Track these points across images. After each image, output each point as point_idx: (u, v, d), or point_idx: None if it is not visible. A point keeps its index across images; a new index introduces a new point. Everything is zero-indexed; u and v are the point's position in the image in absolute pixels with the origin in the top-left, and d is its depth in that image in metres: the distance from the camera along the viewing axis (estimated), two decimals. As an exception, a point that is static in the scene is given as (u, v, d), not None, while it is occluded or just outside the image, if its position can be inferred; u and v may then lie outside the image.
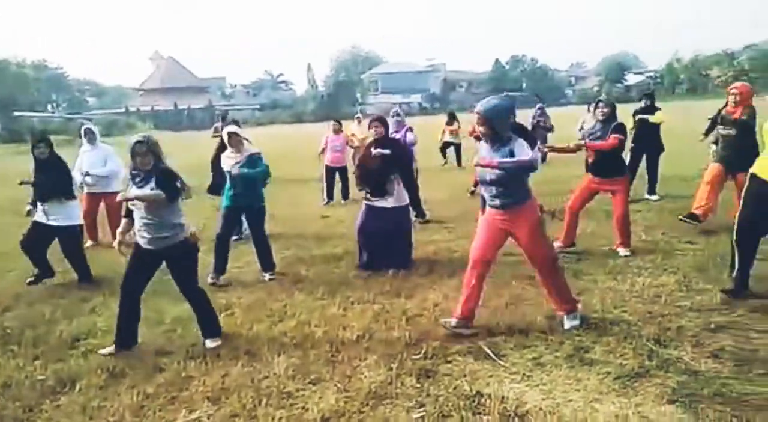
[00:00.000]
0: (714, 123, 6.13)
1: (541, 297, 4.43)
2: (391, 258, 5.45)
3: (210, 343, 3.91)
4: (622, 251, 5.48)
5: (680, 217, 6.14)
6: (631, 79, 70.67)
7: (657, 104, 8.59)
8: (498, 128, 3.64)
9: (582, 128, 8.45)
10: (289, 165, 14.85)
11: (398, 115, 7.88)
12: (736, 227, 4.18)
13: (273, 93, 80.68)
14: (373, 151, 5.45)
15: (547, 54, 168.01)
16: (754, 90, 6.33)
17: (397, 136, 7.39)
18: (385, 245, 5.46)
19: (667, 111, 8.75)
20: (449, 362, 3.48)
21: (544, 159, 12.20)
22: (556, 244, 5.71)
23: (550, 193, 9.00)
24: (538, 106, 13.45)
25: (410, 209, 5.87)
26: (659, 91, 60.87)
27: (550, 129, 12.94)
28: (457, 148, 13.34)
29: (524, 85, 73.56)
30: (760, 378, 3.01)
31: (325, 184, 9.80)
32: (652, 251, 5.49)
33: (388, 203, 5.44)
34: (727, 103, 6.06)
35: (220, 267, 5.39)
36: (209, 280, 5.21)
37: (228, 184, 5.50)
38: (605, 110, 5.46)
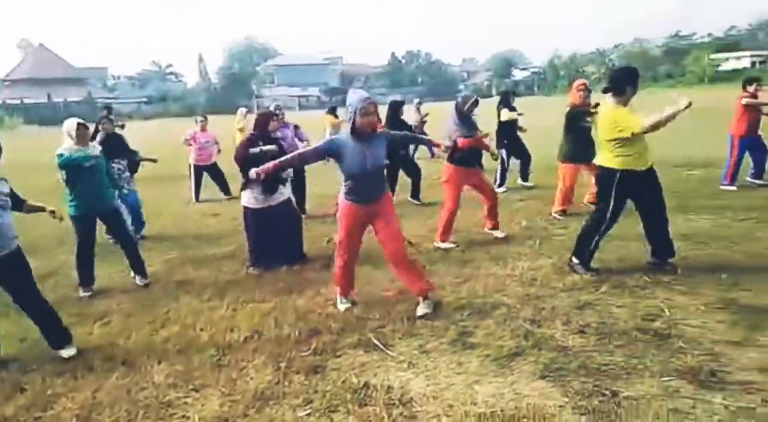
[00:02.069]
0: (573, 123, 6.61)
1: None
2: (283, 254, 5.35)
3: (65, 353, 3.63)
4: (499, 234, 5.86)
5: (554, 216, 6.66)
6: (518, 74, 74.99)
7: (531, 99, 9.20)
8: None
9: None
10: (181, 161, 14.13)
11: (279, 109, 7.69)
12: (609, 218, 4.46)
13: (161, 85, 76.26)
14: (263, 147, 5.29)
15: (440, 49, 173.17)
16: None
17: (278, 134, 7.21)
18: (276, 241, 5.35)
19: (549, 104, 9.38)
20: (338, 356, 3.48)
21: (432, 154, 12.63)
22: (443, 243, 5.86)
23: (436, 185, 9.32)
24: (416, 102, 13.80)
25: (293, 202, 5.77)
26: (543, 86, 65.22)
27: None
28: None
29: (420, 79, 75.43)
30: (617, 349, 3.30)
31: (193, 183, 9.42)
32: (531, 237, 5.85)
33: (269, 201, 5.32)
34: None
35: (87, 280, 4.95)
36: (81, 294, 4.85)
37: (78, 185, 4.79)
38: (472, 107, 5.60)
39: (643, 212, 4.56)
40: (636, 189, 4.42)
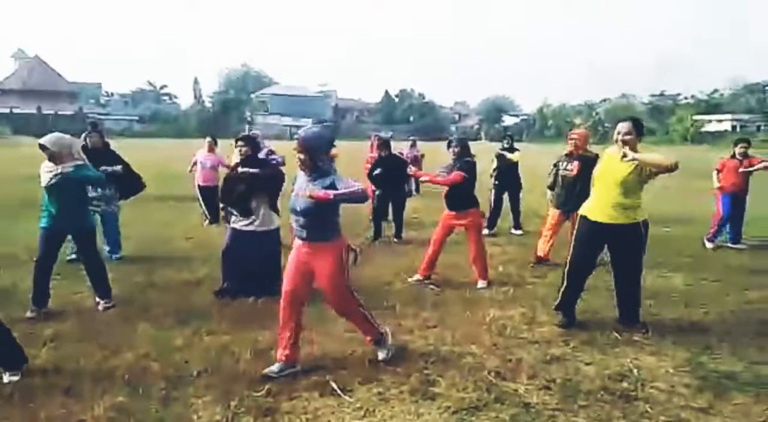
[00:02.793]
0: (557, 171, 6.67)
1: (397, 328, 4.47)
2: (256, 284, 5.20)
3: (7, 377, 3.44)
4: (480, 284, 5.72)
5: (531, 264, 6.62)
6: (508, 120, 76.47)
7: (519, 145, 9.29)
8: (316, 158, 3.51)
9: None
10: (164, 182, 13.99)
11: (255, 136, 7.65)
12: (568, 264, 4.53)
13: (154, 105, 76.44)
14: (240, 170, 5.25)
15: (433, 90, 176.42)
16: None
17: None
18: (251, 271, 5.20)
19: (536, 152, 9.49)
20: (293, 398, 3.32)
21: (417, 190, 12.68)
22: (416, 277, 5.83)
23: (414, 224, 9.31)
24: (410, 138, 14.04)
25: (279, 234, 5.66)
26: (531, 133, 66.51)
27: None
28: None
29: (411, 118, 76.53)
30: (582, 409, 3.20)
31: (203, 204, 9.31)
32: (506, 284, 5.78)
33: (254, 226, 5.23)
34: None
35: (39, 299, 4.73)
36: (28, 314, 4.62)
37: (46, 202, 4.73)
38: (455, 149, 5.70)
39: (614, 270, 4.55)
40: (600, 242, 4.38)
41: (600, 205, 4.33)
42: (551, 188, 6.86)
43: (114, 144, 7.30)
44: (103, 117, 64.04)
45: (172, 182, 13.77)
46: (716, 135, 50.91)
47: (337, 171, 3.62)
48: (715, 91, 65.52)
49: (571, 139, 6.59)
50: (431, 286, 5.68)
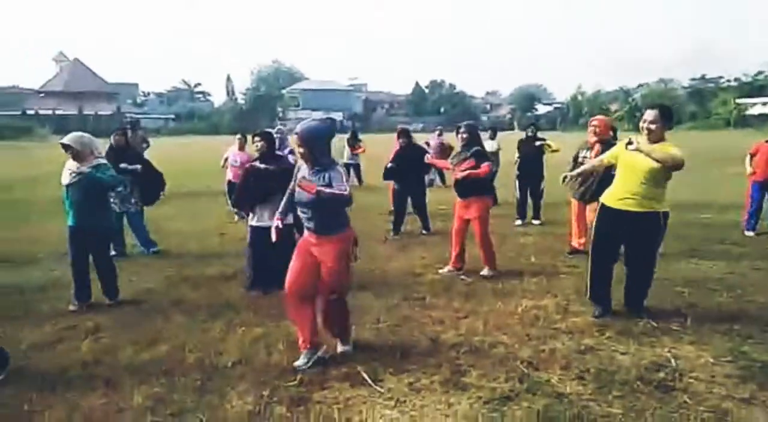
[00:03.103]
0: (576, 162, 6.47)
1: (428, 319, 4.47)
2: (281, 278, 5.24)
3: None
4: (486, 272, 5.68)
5: (567, 254, 6.50)
6: (541, 109, 75.05)
7: (553, 134, 9.09)
8: (315, 151, 3.53)
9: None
10: (197, 178, 14.29)
11: (280, 132, 7.70)
12: (590, 253, 4.43)
13: (189, 103, 77.97)
14: (259, 165, 5.28)
15: (464, 81, 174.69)
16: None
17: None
18: (274, 266, 5.24)
19: (570, 140, 9.25)
20: (325, 388, 3.35)
21: (443, 180, 12.58)
22: (447, 268, 5.80)
23: (441, 215, 9.26)
24: (437, 129, 13.92)
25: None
26: (566, 121, 65.09)
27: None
28: (356, 168, 13.51)
29: (442, 109, 75.94)
30: (617, 399, 3.12)
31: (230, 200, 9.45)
32: (539, 274, 5.69)
33: (270, 222, 5.25)
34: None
35: (81, 294, 4.89)
36: (70, 308, 4.79)
37: (67, 199, 4.86)
38: (464, 135, 5.61)
39: (627, 257, 4.45)
40: (621, 231, 4.26)
41: (621, 193, 4.22)
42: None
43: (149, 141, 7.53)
44: (140, 116, 65.73)
45: (205, 177, 14.03)
46: (762, 118, 48.79)
47: (338, 167, 3.60)
48: (760, 73, 62.73)
49: (592, 125, 6.43)
50: (462, 277, 5.64)
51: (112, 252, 6.44)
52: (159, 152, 6.93)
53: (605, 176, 6.07)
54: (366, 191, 12.39)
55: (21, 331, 4.29)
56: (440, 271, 5.81)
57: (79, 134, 4.89)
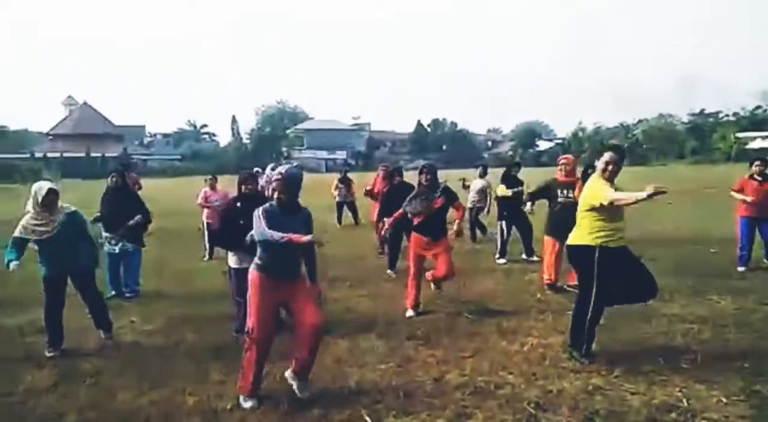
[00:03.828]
0: (553, 200, 6.47)
1: (432, 358, 4.39)
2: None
3: None
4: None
5: (546, 289, 6.46)
6: (542, 145, 75.66)
7: (554, 170, 9.06)
8: (296, 195, 3.67)
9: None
10: (196, 217, 14.30)
11: (273, 170, 7.72)
12: (595, 301, 4.19)
13: (195, 144, 79.09)
14: (236, 204, 5.20)
15: (466, 118, 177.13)
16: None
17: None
18: None
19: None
20: (326, 433, 3.27)
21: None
22: (411, 312, 5.67)
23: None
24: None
25: None
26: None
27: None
28: (350, 205, 13.52)
29: (444, 147, 76.71)
30: (628, 442, 3.03)
31: (208, 240, 9.39)
32: (545, 311, 5.62)
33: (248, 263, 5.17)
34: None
35: (58, 339, 4.78)
36: (48, 354, 4.66)
37: (44, 250, 4.73)
38: (428, 176, 5.52)
39: (626, 292, 4.30)
40: (617, 266, 4.19)
41: (614, 230, 4.14)
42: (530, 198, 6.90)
43: (154, 182, 7.57)
44: (146, 157, 66.57)
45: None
46: (762, 152, 49.00)
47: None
48: (758, 107, 63.39)
49: (561, 163, 6.54)
50: (466, 315, 5.57)
51: (112, 292, 6.46)
52: (164, 192, 7.01)
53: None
54: (364, 229, 12.36)
55: (20, 374, 4.23)
56: (408, 314, 5.63)
57: (49, 182, 4.86)
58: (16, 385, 4.01)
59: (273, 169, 7.52)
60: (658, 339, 4.52)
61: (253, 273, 3.68)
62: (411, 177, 8.02)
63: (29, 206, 4.68)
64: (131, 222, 6.50)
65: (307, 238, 3.47)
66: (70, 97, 73.26)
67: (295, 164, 4.06)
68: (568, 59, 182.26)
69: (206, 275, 7.98)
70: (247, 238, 3.76)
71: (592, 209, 4.14)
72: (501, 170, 8.96)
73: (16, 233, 4.65)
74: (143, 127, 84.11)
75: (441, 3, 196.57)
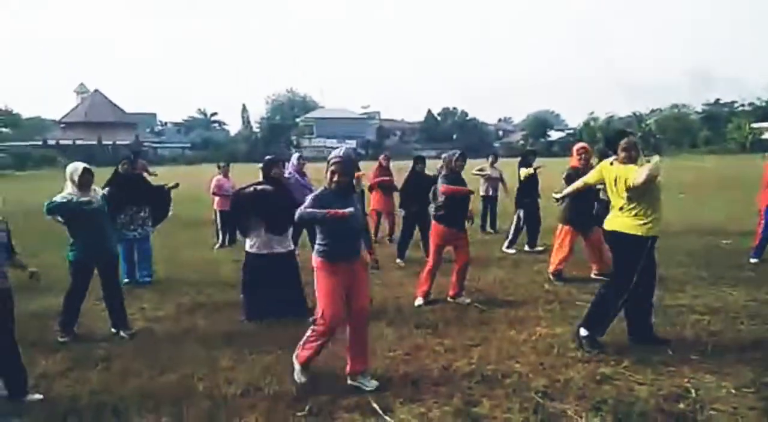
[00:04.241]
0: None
1: (440, 347, 4.41)
2: (283, 306, 5.19)
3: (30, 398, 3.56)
4: (462, 300, 5.64)
5: (552, 278, 6.44)
6: (554, 135, 75.05)
7: (566, 160, 9.00)
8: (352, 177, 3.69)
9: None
10: (206, 205, 14.38)
11: (301, 158, 7.74)
12: (630, 289, 4.14)
13: (205, 132, 79.30)
14: (270, 189, 5.30)
15: (476, 108, 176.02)
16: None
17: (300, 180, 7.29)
18: (274, 292, 5.17)
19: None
20: (335, 418, 3.30)
21: None
22: (421, 300, 5.68)
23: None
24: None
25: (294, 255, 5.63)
26: (578, 147, 64.95)
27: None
28: (361, 194, 13.46)
29: (455, 136, 76.34)
30: (635, 432, 3.03)
31: (221, 227, 9.53)
32: (552, 301, 5.60)
33: (270, 249, 5.24)
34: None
35: (73, 325, 4.86)
36: (61, 339, 4.73)
37: (79, 231, 4.75)
38: (460, 162, 5.61)
39: (638, 283, 4.19)
40: (649, 258, 4.15)
41: (657, 217, 4.08)
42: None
43: (165, 170, 7.60)
44: (157, 145, 66.91)
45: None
46: (778, 142, 48.36)
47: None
48: (774, 97, 62.38)
49: (580, 153, 6.45)
50: (475, 304, 5.57)
51: (126, 280, 6.52)
52: (174, 179, 7.04)
53: (593, 201, 6.09)
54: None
55: (34, 358, 4.29)
56: (417, 303, 5.64)
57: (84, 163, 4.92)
58: (30, 370, 4.06)
59: (299, 158, 7.64)
60: (668, 330, 4.49)
61: (315, 260, 3.68)
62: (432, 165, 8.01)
63: (67, 189, 4.71)
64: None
65: (347, 211, 3.44)
66: (81, 84, 73.66)
67: (347, 146, 4.08)
68: (580, 49, 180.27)
69: (217, 263, 8.05)
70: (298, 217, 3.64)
71: (640, 195, 4.04)
72: (511, 161, 8.92)
73: (59, 199, 4.62)
74: (154, 115, 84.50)
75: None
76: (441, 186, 5.55)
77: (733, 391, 3.47)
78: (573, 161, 6.58)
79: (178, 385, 3.79)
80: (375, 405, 3.40)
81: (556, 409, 3.31)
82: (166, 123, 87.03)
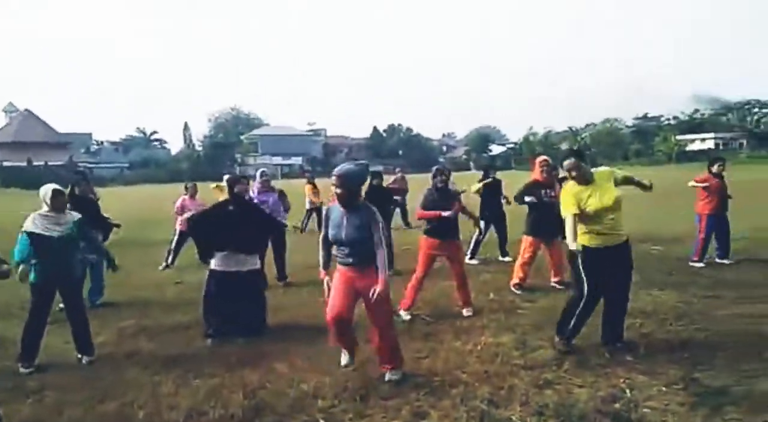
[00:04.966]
0: (539, 199, 6.58)
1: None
2: (242, 325, 5.16)
3: None
4: (466, 312, 5.69)
5: (515, 289, 6.59)
6: (495, 149, 77.36)
7: (508, 173, 9.34)
8: (353, 193, 3.85)
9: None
10: (151, 227, 13.94)
11: (264, 175, 7.77)
12: (586, 297, 4.33)
13: (145, 151, 76.91)
14: (231, 208, 5.37)
15: (420, 124, 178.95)
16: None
17: (261, 198, 7.30)
18: (236, 311, 5.17)
19: (523, 178, 9.49)
20: (282, 439, 3.26)
21: (407, 224, 12.82)
22: (407, 314, 5.73)
23: (406, 255, 9.28)
24: (397, 170, 14.27)
25: (259, 274, 5.64)
26: (519, 160, 67.23)
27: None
28: (318, 211, 13.49)
29: (400, 152, 77.30)
30: (575, 433, 3.15)
31: (174, 247, 9.31)
32: (497, 310, 5.75)
33: (231, 267, 5.21)
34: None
35: (33, 355, 4.59)
36: (22, 371, 4.47)
37: (43, 253, 4.55)
38: (443, 177, 5.75)
39: (607, 289, 4.46)
40: (607, 265, 4.34)
41: (599, 230, 4.29)
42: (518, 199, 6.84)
43: (103, 191, 7.36)
44: (93, 166, 64.25)
45: (159, 226, 13.73)
46: (700, 154, 51.69)
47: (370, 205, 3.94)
48: (696, 111, 66.83)
49: (543, 166, 6.66)
50: (422, 316, 5.64)
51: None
52: (113, 201, 6.84)
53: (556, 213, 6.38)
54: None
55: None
56: (404, 318, 5.65)
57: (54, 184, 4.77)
58: None
59: (262, 175, 7.62)
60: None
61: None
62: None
63: (44, 209, 4.57)
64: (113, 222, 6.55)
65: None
66: (10, 103, 70.02)
67: (359, 162, 4.18)
68: (517, 63, 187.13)
69: (160, 286, 7.81)
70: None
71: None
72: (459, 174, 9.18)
73: (27, 227, 4.47)
74: (89, 134, 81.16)
75: (395, 10, 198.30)
76: (416, 209, 5.77)
77: (664, 389, 3.68)
78: (536, 174, 6.70)
79: (118, 414, 3.65)
80: (323, 422, 3.39)
81: (501, 416, 3.40)
82: (102, 142, 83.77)
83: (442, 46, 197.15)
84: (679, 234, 9.76)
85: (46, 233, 4.48)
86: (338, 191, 3.81)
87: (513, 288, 6.59)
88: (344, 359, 4.16)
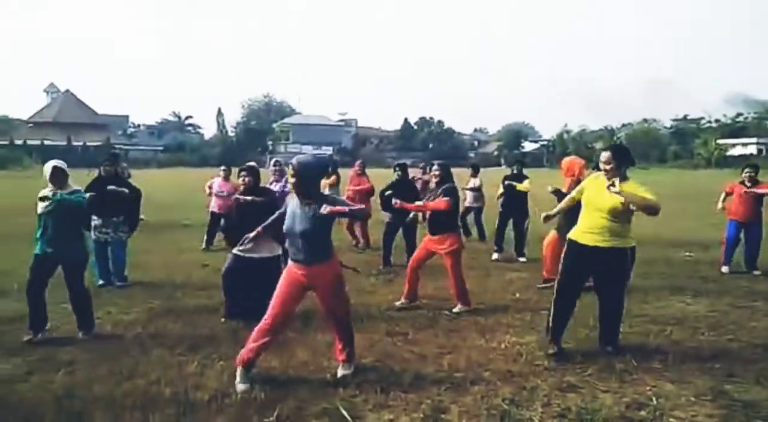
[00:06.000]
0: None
1: (410, 354, 4.43)
2: (262, 310, 5.19)
3: None
4: (458, 308, 5.65)
5: (538, 286, 6.53)
6: (528, 146, 76.29)
7: (540, 171, 9.20)
8: (306, 184, 3.77)
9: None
10: (182, 209, 14.24)
11: (278, 164, 7.90)
12: (556, 290, 4.40)
13: (179, 135, 78.30)
14: (244, 198, 5.40)
15: (452, 117, 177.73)
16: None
17: (277, 186, 7.44)
18: (252, 296, 5.19)
19: (554, 177, 9.35)
20: (303, 425, 3.29)
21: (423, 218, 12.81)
22: (401, 300, 5.82)
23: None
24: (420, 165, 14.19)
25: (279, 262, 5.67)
26: (552, 158, 66.18)
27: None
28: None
29: (431, 145, 76.90)
30: (598, 438, 3.10)
31: (207, 230, 9.66)
32: (523, 310, 5.69)
33: (252, 253, 5.26)
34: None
35: (37, 324, 4.73)
36: (24, 338, 4.64)
37: (42, 225, 4.75)
38: (437, 173, 5.73)
39: (598, 294, 4.47)
40: (587, 266, 4.30)
41: (587, 228, 4.27)
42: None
43: (137, 173, 7.52)
44: (129, 148, 65.76)
45: (190, 209, 13.98)
46: (742, 159, 50.01)
47: (330, 196, 3.93)
48: (739, 114, 64.58)
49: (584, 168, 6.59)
50: (446, 312, 5.62)
51: (100, 282, 6.46)
52: (146, 182, 6.97)
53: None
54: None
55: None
56: (396, 303, 5.79)
57: (60, 161, 4.89)
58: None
59: (275, 163, 7.77)
60: (631, 339, 4.61)
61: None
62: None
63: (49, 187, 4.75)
64: (117, 188, 6.53)
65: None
66: (52, 84, 72.09)
67: (321, 155, 4.24)
68: (554, 62, 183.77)
69: (189, 268, 7.94)
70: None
71: (626, 214, 4.18)
72: (487, 170, 9.10)
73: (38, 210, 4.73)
74: (126, 117, 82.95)
75: (432, 3, 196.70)
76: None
77: (692, 399, 3.58)
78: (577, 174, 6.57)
79: (145, 391, 3.73)
80: (344, 412, 3.40)
81: (522, 416, 3.36)
82: (138, 125, 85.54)
83: (478, 41, 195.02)
84: (714, 240, 9.48)
85: (39, 210, 4.69)
86: (292, 179, 3.78)
87: (541, 285, 6.50)
88: (239, 381, 3.78)
